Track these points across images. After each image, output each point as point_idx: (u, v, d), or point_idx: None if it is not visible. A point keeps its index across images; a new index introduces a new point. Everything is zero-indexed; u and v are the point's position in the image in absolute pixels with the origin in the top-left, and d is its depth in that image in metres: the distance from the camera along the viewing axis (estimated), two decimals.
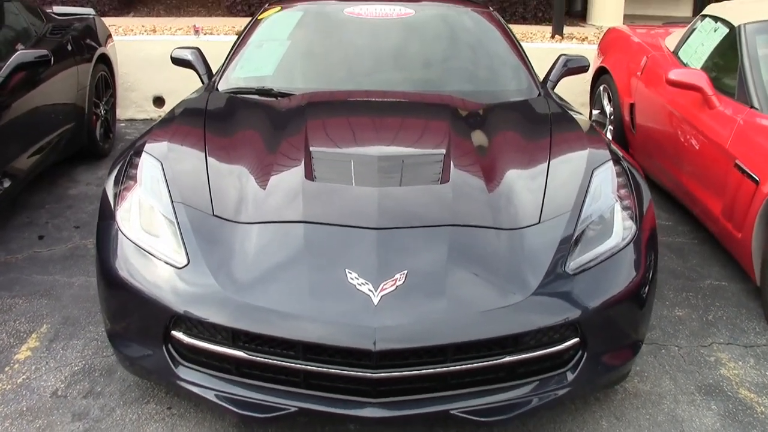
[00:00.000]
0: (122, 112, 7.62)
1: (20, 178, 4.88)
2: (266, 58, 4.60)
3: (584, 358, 2.84)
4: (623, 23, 9.59)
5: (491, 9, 5.06)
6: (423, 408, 2.68)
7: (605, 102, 6.35)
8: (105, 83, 6.46)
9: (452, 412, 2.68)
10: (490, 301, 2.70)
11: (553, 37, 8.67)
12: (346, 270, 2.71)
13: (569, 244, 2.92)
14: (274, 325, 2.64)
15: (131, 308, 2.92)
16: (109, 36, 6.85)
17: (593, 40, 8.52)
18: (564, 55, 4.82)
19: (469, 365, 2.67)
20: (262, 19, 4.83)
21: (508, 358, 2.70)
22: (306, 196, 3.06)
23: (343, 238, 2.87)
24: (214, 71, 4.70)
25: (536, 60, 4.89)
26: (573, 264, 2.86)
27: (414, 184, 3.21)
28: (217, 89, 4.30)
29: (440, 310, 2.64)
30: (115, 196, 3.21)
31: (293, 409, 2.68)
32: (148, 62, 7.58)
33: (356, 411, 2.66)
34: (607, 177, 3.25)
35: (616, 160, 3.43)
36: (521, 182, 3.22)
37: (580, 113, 4.21)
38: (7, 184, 4.64)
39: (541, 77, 4.65)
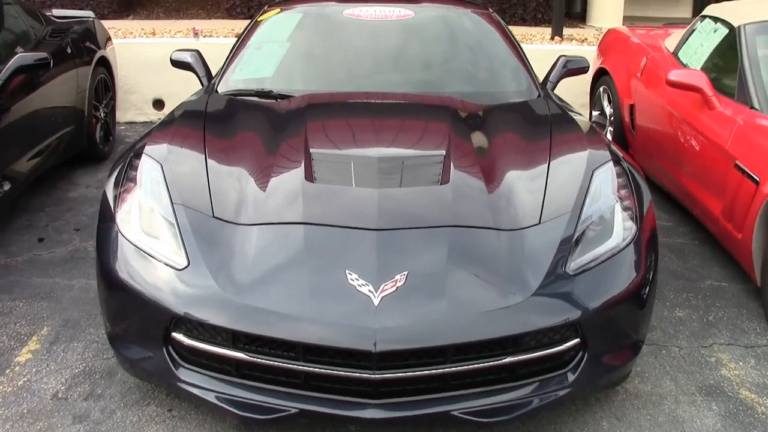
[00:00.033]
0: (122, 115, 7.62)
1: (20, 181, 4.88)
2: (266, 60, 4.60)
3: (585, 358, 2.84)
4: (623, 24, 9.59)
5: (491, 10, 5.07)
6: (423, 409, 2.68)
7: (605, 103, 6.35)
8: (105, 86, 6.46)
9: (453, 413, 2.68)
10: (490, 301, 2.70)
11: (552, 38, 8.66)
12: (347, 271, 2.71)
13: (569, 244, 2.92)
14: (274, 326, 2.64)
15: (131, 310, 2.92)
16: (109, 39, 6.85)
17: (593, 41, 8.52)
18: (563, 56, 4.82)
19: (469, 366, 2.67)
20: (261, 21, 4.84)
21: (508, 359, 2.70)
22: (306, 197, 3.06)
23: (343, 240, 2.87)
24: (213, 74, 4.70)
25: (536, 61, 4.89)
26: (573, 264, 2.86)
27: (414, 185, 3.21)
28: (216, 91, 4.30)
29: (440, 311, 2.64)
30: (115, 198, 3.21)
31: (294, 411, 2.68)
32: (147, 65, 7.58)
33: (357, 412, 2.66)
34: (607, 177, 3.25)
35: (617, 161, 3.43)
36: (521, 183, 3.22)
37: (580, 114, 4.21)
38: (6, 187, 4.64)
39: (541, 79, 4.65)
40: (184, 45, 7.14)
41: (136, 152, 3.45)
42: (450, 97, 4.13)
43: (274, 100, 4.12)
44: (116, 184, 3.30)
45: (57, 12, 6.52)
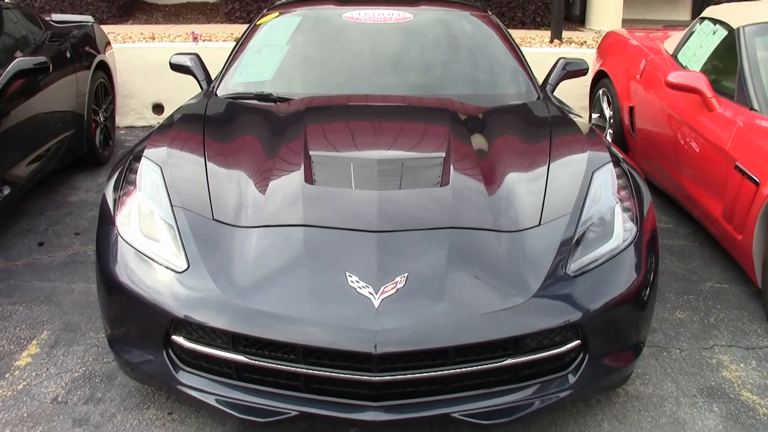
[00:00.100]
0: (121, 119, 7.62)
1: (19, 186, 4.88)
2: (265, 63, 4.60)
3: (586, 360, 2.84)
4: (622, 27, 9.60)
5: (489, 13, 5.07)
6: (424, 411, 2.67)
7: (605, 106, 6.35)
8: (104, 90, 6.46)
9: (453, 415, 2.67)
10: (490, 303, 2.69)
11: (551, 41, 8.67)
12: (347, 273, 2.71)
13: (570, 245, 2.92)
14: (274, 328, 2.64)
15: (131, 313, 2.91)
16: (108, 43, 6.85)
17: (592, 44, 8.53)
18: (563, 58, 4.82)
19: (470, 368, 2.67)
20: (260, 24, 4.84)
21: (509, 361, 2.70)
22: (306, 199, 3.06)
23: (344, 242, 2.87)
24: (213, 77, 4.70)
25: (535, 64, 4.90)
26: (574, 266, 2.86)
27: (414, 187, 3.21)
28: (216, 94, 4.31)
29: (441, 313, 2.64)
30: (115, 201, 3.21)
31: (294, 413, 2.67)
32: (147, 69, 7.59)
33: (357, 414, 2.65)
34: (607, 179, 3.25)
35: (616, 162, 3.43)
36: (521, 185, 3.22)
37: (580, 116, 4.21)
38: (6, 191, 4.64)
39: (540, 81, 4.65)
40: (183, 49, 7.12)
41: (135, 155, 3.45)
42: (449, 99, 4.14)
43: (273, 103, 4.12)
44: (116, 187, 3.30)
45: (56, 17, 6.52)
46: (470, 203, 3.11)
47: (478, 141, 3.59)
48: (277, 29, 4.82)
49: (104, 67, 6.47)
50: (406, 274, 2.71)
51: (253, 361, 2.69)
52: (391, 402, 2.66)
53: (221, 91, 4.32)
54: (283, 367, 2.67)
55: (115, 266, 2.95)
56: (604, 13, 10.74)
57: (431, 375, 2.64)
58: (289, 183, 3.19)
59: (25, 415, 3.09)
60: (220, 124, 3.85)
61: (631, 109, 5.74)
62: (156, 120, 7.62)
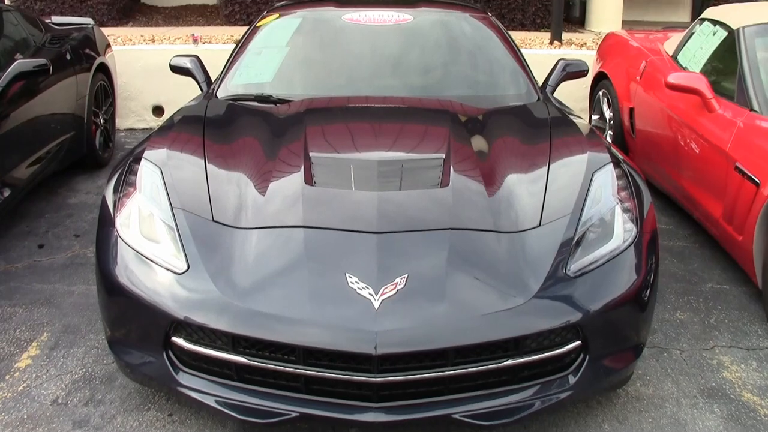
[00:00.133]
0: (121, 122, 7.63)
1: (19, 188, 4.88)
2: (265, 65, 4.60)
3: (586, 361, 2.84)
4: (621, 29, 9.60)
5: (489, 14, 5.07)
6: (424, 412, 2.67)
7: (605, 107, 6.35)
8: (104, 92, 6.47)
9: (454, 415, 2.67)
10: (490, 304, 2.69)
11: (551, 43, 8.67)
12: (347, 274, 2.71)
13: (570, 246, 2.91)
14: (274, 330, 2.63)
15: (131, 315, 2.91)
16: (108, 45, 6.86)
17: (592, 45, 8.53)
18: (563, 59, 4.83)
19: (470, 369, 2.66)
20: (260, 26, 4.84)
21: (509, 362, 2.69)
22: (306, 200, 3.06)
23: (343, 243, 2.87)
24: (212, 79, 4.70)
25: (535, 66, 4.89)
26: (574, 266, 2.86)
27: (414, 188, 3.20)
28: (216, 96, 4.31)
29: (441, 314, 2.63)
30: (115, 203, 3.21)
31: (294, 415, 2.67)
32: (147, 71, 7.59)
33: (357, 416, 2.65)
34: (607, 179, 3.25)
35: (616, 163, 3.43)
36: (521, 186, 3.22)
37: (580, 117, 4.21)
38: (6, 193, 4.64)
39: (540, 82, 4.65)
40: (183, 51, 7.13)
41: (135, 157, 3.45)
42: (449, 100, 4.14)
43: (273, 105, 4.12)
44: (116, 189, 3.30)
45: (56, 19, 6.54)
46: (470, 204, 3.11)
47: (478, 142, 3.59)
48: (276, 31, 4.82)
49: (104, 70, 6.47)
50: (406, 275, 2.71)
51: (253, 363, 2.69)
52: (391, 403, 2.66)
53: (221, 93, 4.32)
54: (283, 368, 2.66)
55: (115, 268, 2.95)
56: (604, 14, 10.74)
57: (431, 376, 2.64)
58: (289, 184, 3.19)
59: (25, 416, 3.08)
60: (220, 126, 3.85)
61: (631, 111, 5.74)
62: (156, 122, 7.61)
